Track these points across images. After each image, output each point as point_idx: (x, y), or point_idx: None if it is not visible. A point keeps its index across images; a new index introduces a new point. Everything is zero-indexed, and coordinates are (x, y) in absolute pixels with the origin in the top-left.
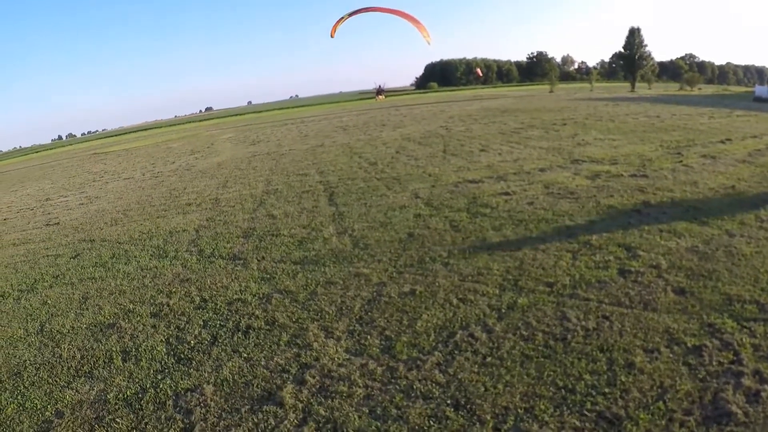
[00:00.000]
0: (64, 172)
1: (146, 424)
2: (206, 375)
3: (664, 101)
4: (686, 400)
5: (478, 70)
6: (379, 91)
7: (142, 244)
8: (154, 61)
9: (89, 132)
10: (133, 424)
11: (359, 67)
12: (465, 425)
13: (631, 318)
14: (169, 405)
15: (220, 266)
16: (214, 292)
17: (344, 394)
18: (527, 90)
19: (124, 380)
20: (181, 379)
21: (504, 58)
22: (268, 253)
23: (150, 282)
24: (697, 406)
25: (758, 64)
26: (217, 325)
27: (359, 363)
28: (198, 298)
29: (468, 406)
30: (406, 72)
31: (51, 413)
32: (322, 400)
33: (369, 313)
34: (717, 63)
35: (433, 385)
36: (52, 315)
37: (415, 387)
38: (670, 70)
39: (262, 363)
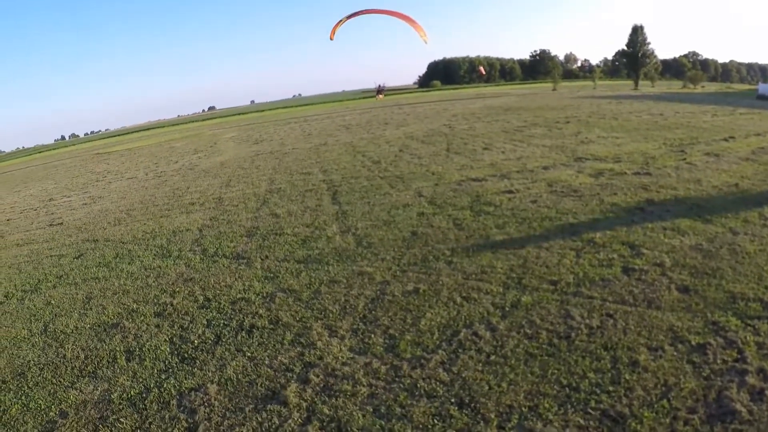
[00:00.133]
0: (67, 172)
1: (150, 423)
2: (210, 374)
3: (667, 99)
4: (690, 399)
5: (482, 69)
6: (379, 90)
7: (146, 243)
8: (157, 61)
9: (92, 132)
10: (137, 424)
11: (362, 66)
12: (469, 424)
13: (635, 316)
14: (173, 404)
15: (223, 265)
16: (218, 292)
17: (348, 393)
18: (530, 88)
19: (128, 380)
20: (185, 378)
21: (507, 56)
22: (271, 252)
23: (153, 281)
24: (702, 404)
25: (762, 62)
26: (221, 325)
27: (363, 362)
28: (202, 297)
29: (472, 405)
30: (409, 70)
31: (55, 413)
32: (326, 399)
33: (373, 312)
34: (720, 61)
35: (437, 383)
36: (55, 315)
37: (419, 386)
38: (674, 68)
39: (266, 362)
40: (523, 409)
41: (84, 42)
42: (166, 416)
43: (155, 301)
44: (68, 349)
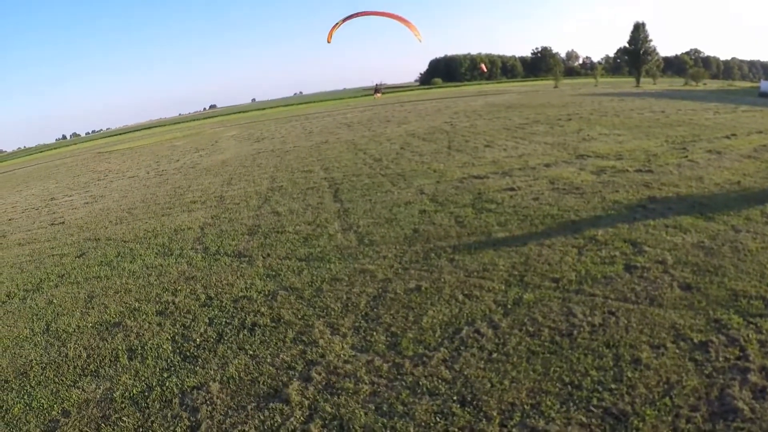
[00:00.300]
0: (69, 172)
1: (153, 422)
2: (212, 373)
3: (669, 96)
4: (693, 396)
5: (483, 66)
6: (377, 89)
7: (147, 242)
8: (158, 59)
9: (93, 131)
10: (139, 423)
11: (364, 64)
12: (471, 421)
13: (638, 314)
14: (175, 403)
15: (225, 264)
16: (220, 290)
17: (350, 391)
18: (532, 85)
19: (130, 379)
20: (187, 377)
21: (508, 53)
22: (273, 250)
23: (155, 280)
24: (704, 402)
25: (764, 59)
26: (223, 323)
27: (365, 359)
28: (203, 295)
29: (474, 403)
30: (410, 68)
31: (57, 412)
32: (329, 396)
33: (375, 310)
34: (722, 58)
35: (440, 381)
36: (57, 314)
37: (421, 383)
38: (675, 65)
39: (268, 360)
40: (526, 406)
41: (85, 41)
42: (169, 415)
43: (157, 299)
44: (70, 348)
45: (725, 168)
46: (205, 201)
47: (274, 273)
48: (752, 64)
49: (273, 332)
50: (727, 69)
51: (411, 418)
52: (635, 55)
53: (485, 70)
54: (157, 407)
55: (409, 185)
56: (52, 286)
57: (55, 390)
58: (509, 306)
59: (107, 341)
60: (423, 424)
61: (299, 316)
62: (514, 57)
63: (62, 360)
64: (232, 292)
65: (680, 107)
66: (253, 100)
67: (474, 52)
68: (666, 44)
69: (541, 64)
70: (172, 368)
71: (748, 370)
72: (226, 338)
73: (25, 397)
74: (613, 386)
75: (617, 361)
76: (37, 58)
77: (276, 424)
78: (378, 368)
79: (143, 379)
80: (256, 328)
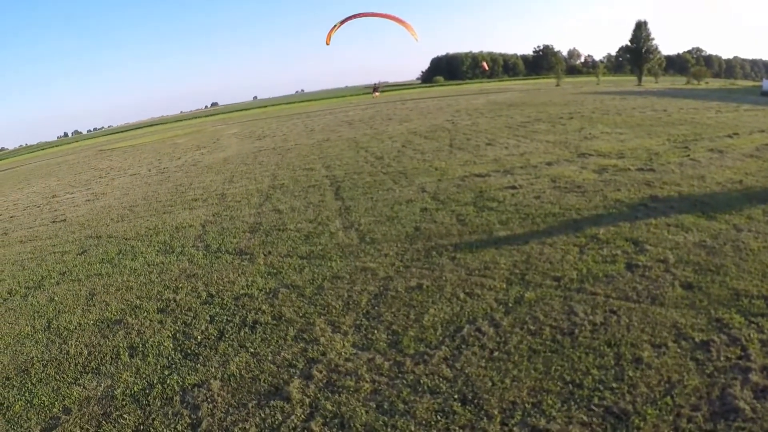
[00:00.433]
0: (70, 169)
1: (153, 419)
2: (213, 370)
3: (671, 95)
4: (694, 396)
5: (485, 64)
6: (375, 89)
7: (149, 239)
8: (160, 57)
9: (95, 129)
10: (140, 420)
11: (366, 62)
12: (472, 420)
13: (639, 312)
14: (176, 400)
15: (226, 261)
16: (221, 288)
17: (351, 389)
18: (533, 84)
19: (131, 376)
20: (188, 374)
21: (510, 51)
22: (274, 247)
23: (156, 278)
24: (705, 401)
25: (766, 58)
26: (224, 320)
27: (366, 357)
28: (205, 293)
29: (475, 401)
30: (411, 66)
31: (58, 410)
32: (329, 394)
33: (376, 308)
34: (724, 57)
35: (440, 379)
36: (59, 312)
37: (422, 382)
38: (677, 64)
39: (269, 358)
40: (527, 405)
41: (86, 39)
42: (170, 412)
43: (158, 297)
44: (71, 345)
45: (727, 167)
46: (206, 199)
47: (275, 271)
48: (754, 63)
49: (274, 330)
50: (729, 68)
51: (412, 417)
52: (637, 54)
53: (487, 68)
54: (158, 405)
55: (410, 183)
56: (54, 284)
57: (56, 387)
58: (510, 304)
59: (108, 338)
60: (424, 422)
61: (300, 314)
62: (515, 55)
63: (63, 357)
64: (234, 290)
65: (682, 106)
66: (255, 97)
67: (476, 50)
68: (668, 43)
69: (542, 62)
70: (173, 366)
71: (749, 369)
72: (227, 336)
73: (26, 394)
74: (614, 385)
75: (618, 360)
76: (39, 56)
77: (277, 422)
78: (379, 366)
79: (144, 376)
80: (257, 325)
